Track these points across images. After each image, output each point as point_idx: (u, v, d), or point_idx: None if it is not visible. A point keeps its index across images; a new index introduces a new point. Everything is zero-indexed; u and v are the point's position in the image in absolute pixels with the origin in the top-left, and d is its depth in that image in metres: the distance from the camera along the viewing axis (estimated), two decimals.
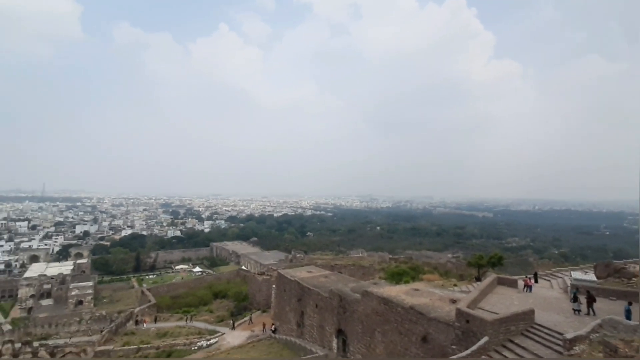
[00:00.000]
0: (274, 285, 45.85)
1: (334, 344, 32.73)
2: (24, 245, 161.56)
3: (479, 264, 42.51)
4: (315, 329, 35.75)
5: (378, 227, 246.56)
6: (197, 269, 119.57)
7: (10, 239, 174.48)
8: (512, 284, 28.58)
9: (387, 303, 26.26)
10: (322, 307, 34.57)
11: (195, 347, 39.56)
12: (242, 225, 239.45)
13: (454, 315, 20.61)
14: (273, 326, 41.10)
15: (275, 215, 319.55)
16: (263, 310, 51.17)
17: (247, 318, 48.65)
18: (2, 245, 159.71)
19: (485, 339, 17.81)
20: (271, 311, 46.05)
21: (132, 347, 40.51)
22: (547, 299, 24.85)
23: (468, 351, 17.59)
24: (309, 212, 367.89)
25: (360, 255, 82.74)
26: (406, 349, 23.87)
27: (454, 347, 20.14)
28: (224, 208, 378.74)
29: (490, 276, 30.48)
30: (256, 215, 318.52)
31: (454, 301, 24.21)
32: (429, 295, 26.51)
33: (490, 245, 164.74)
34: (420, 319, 22.94)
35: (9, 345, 41.37)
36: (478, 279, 39.38)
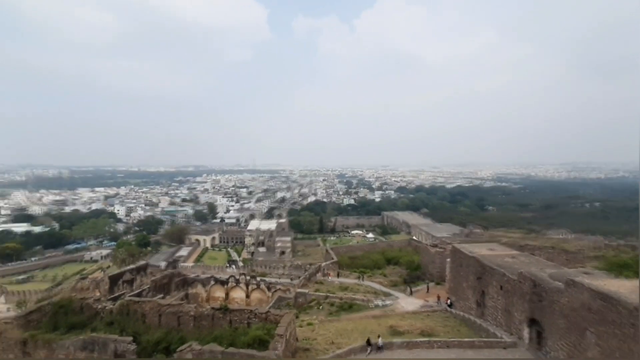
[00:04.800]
0: (448, 259, 43.67)
1: (525, 334, 28.52)
2: (246, 206, 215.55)
3: None
4: (499, 312, 32.11)
5: (588, 204, 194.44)
6: (370, 235, 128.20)
7: (237, 201, 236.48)
8: None
9: (607, 300, 20.42)
10: (509, 290, 30.46)
11: (372, 305, 42.85)
12: (411, 196, 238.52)
13: None
14: (448, 300, 39.58)
15: (447, 186, 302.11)
16: (437, 282, 50.01)
17: (423, 286, 48.95)
18: (233, 205, 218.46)
19: None
20: (446, 285, 44.35)
21: (321, 293, 47.86)
22: None
23: None
24: (488, 184, 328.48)
25: (561, 236, 67.99)
26: None
27: None
28: (393, 179, 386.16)
29: None
30: (426, 186, 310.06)
31: None
32: None
33: None
34: None
35: (243, 276, 56.76)
36: None
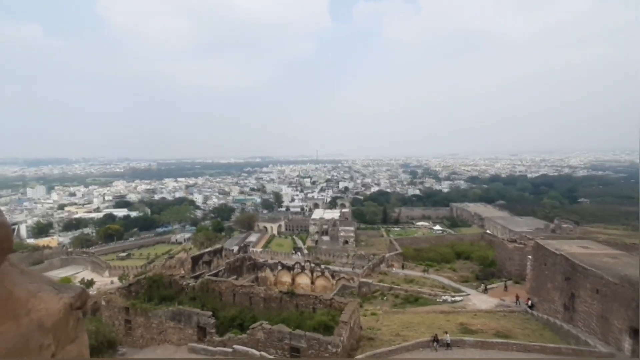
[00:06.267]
0: (529, 256, 39.57)
1: (627, 345, 24.68)
2: (309, 195, 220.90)
3: None
4: (593, 318, 28.23)
5: None
6: (437, 227, 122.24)
7: (301, 191, 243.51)
8: None
9: None
10: (607, 294, 26.55)
11: (440, 300, 40.94)
12: (485, 186, 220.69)
13: None
14: (529, 301, 35.96)
15: (529, 175, 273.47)
16: (515, 281, 45.75)
17: (499, 284, 45.28)
18: (297, 195, 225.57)
19: None
20: (526, 284, 40.33)
21: (385, 284, 47.19)
22: None
23: None
24: (581, 172, 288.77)
25: None
26: None
27: None
28: (463, 168, 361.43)
29: None
30: (503, 175, 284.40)
31: None
32: None
33: None
34: None
35: (308, 263, 58.54)
36: None
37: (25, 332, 2.08)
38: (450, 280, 49.43)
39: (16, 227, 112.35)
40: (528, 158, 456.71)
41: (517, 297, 37.92)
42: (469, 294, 42.28)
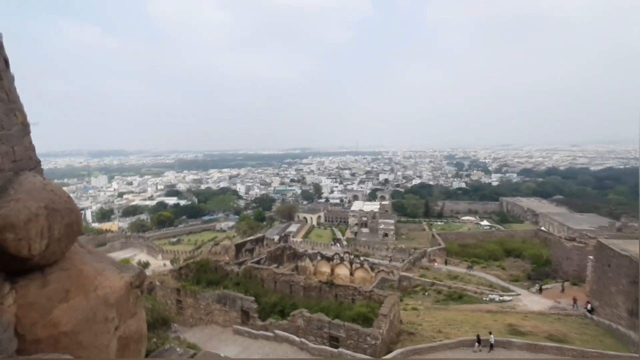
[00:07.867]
0: (590, 257, 36.27)
1: None
2: (349, 187, 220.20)
3: None
4: None
5: None
6: (485, 222, 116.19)
7: (340, 182, 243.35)
8: None
9: None
10: None
11: (487, 299, 39.05)
12: (540, 179, 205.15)
13: None
14: (589, 304, 33.07)
15: (592, 168, 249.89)
16: (573, 282, 42.24)
17: (554, 285, 42.16)
18: (337, 186, 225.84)
19: None
20: (586, 286, 37.09)
21: (427, 279, 45.93)
22: None
23: None
24: None
25: None
26: None
27: None
28: (516, 160, 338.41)
29: None
30: (561, 168, 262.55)
31: None
32: None
33: None
34: None
35: (347, 254, 58.66)
36: None
37: (94, 305, 2.24)
38: (498, 279, 46.90)
39: (83, 212, 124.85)
40: (591, 149, 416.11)
41: (575, 300, 35.03)
42: (519, 294, 39.87)
